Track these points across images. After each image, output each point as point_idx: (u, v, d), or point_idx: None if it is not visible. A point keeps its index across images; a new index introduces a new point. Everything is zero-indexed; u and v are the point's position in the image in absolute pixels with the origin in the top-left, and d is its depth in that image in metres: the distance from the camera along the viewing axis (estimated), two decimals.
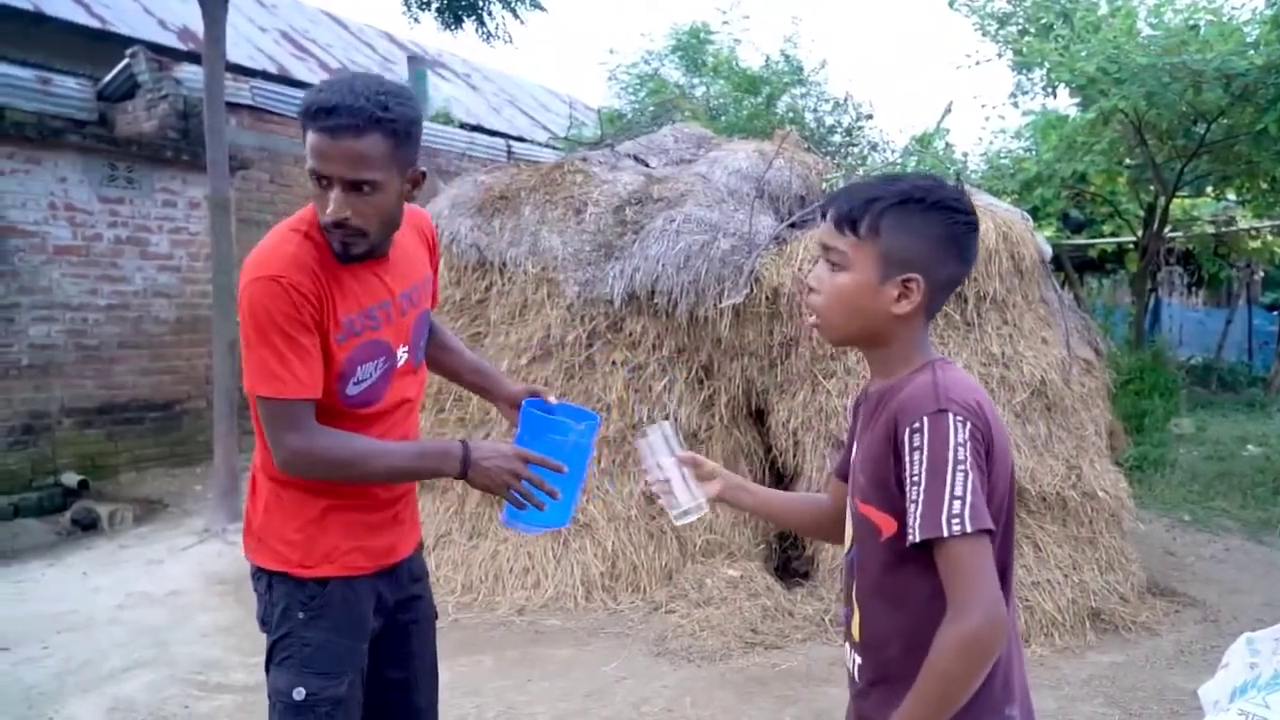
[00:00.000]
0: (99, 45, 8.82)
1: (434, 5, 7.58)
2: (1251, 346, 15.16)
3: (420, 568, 1.97)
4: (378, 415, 1.76)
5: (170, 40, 9.58)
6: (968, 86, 54.82)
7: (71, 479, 6.35)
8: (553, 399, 1.91)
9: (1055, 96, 9.38)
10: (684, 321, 4.54)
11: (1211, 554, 5.40)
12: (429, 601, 1.98)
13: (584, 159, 5.65)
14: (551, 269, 4.76)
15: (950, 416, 1.22)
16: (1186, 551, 5.43)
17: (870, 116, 11.07)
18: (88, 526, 5.84)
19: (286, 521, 1.74)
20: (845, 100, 11.17)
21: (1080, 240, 11.64)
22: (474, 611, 4.19)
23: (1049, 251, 5.08)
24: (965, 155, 9.21)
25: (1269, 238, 12.17)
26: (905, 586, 1.30)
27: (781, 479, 4.61)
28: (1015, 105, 10.22)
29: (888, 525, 1.30)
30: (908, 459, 1.23)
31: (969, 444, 1.21)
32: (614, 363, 4.60)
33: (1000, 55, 9.72)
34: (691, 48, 12.89)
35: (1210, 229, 11.50)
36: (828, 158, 6.91)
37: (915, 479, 1.21)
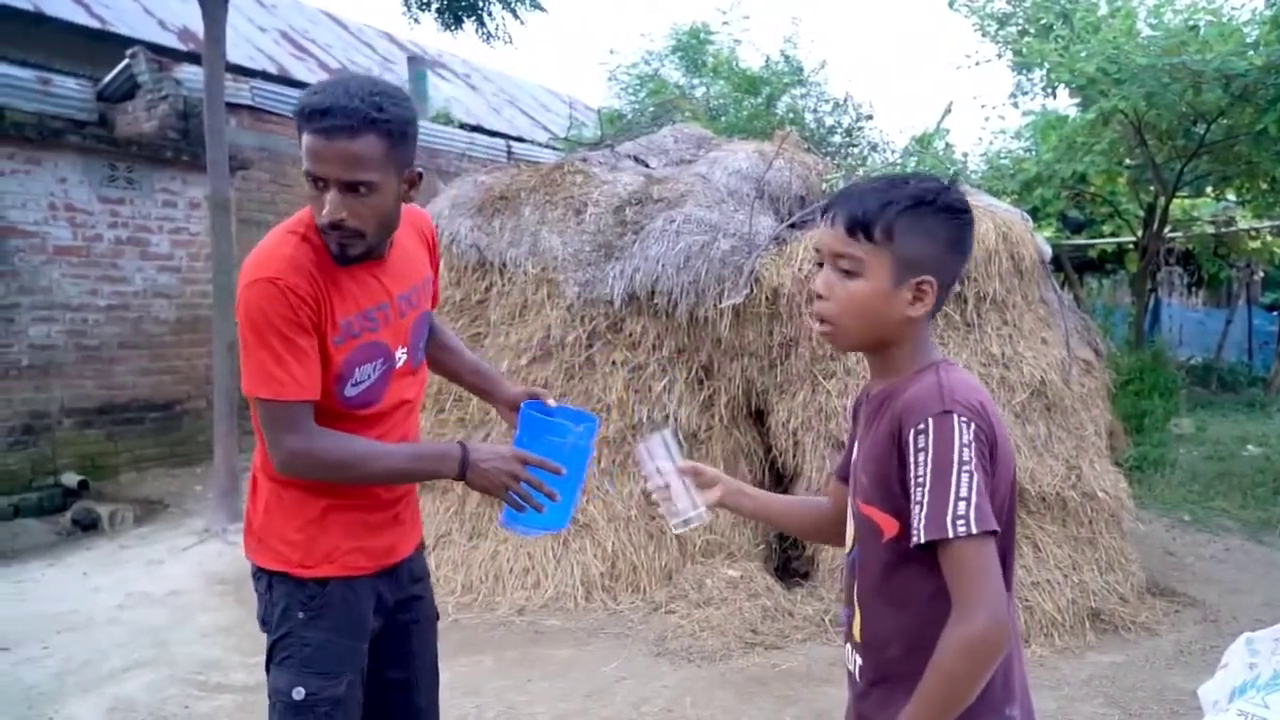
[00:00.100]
0: (99, 45, 8.83)
1: (434, 6, 7.58)
2: (1251, 346, 15.16)
3: (421, 568, 1.97)
4: (377, 416, 1.76)
5: (170, 40, 9.59)
6: (968, 87, 54.90)
7: (71, 479, 6.35)
8: (552, 401, 1.91)
9: (1055, 97, 9.38)
10: (684, 322, 4.54)
11: (1211, 554, 5.41)
12: (430, 602, 1.98)
13: (584, 159, 5.65)
14: (551, 269, 4.76)
15: (955, 418, 1.22)
16: (1186, 551, 5.43)
17: (870, 117, 11.09)
18: (88, 527, 5.84)
19: (287, 521, 1.74)
20: (845, 100, 11.18)
21: (1080, 240, 11.63)
22: (474, 612, 4.19)
23: (1049, 252, 5.08)
24: (965, 155, 9.22)
25: (1269, 238, 12.17)
26: (907, 587, 1.30)
27: (781, 479, 4.61)
28: (1015, 106, 10.23)
29: (890, 526, 1.30)
30: (912, 460, 1.23)
31: (974, 445, 1.21)
32: (614, 363, 4.60)
33: (1000, 56, 9.72)
34: (691, 48, 12.90)
35: (1210, 229, 11.49)
36: (828, 158, 6.91)
37: (920, 480, 1.22)
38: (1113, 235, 11.13)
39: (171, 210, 7.16)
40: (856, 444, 1.44)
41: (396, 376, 1.79)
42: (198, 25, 6.41)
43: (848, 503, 1.46)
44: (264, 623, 1.78)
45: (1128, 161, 8.62)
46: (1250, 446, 8.39)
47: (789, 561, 4.73)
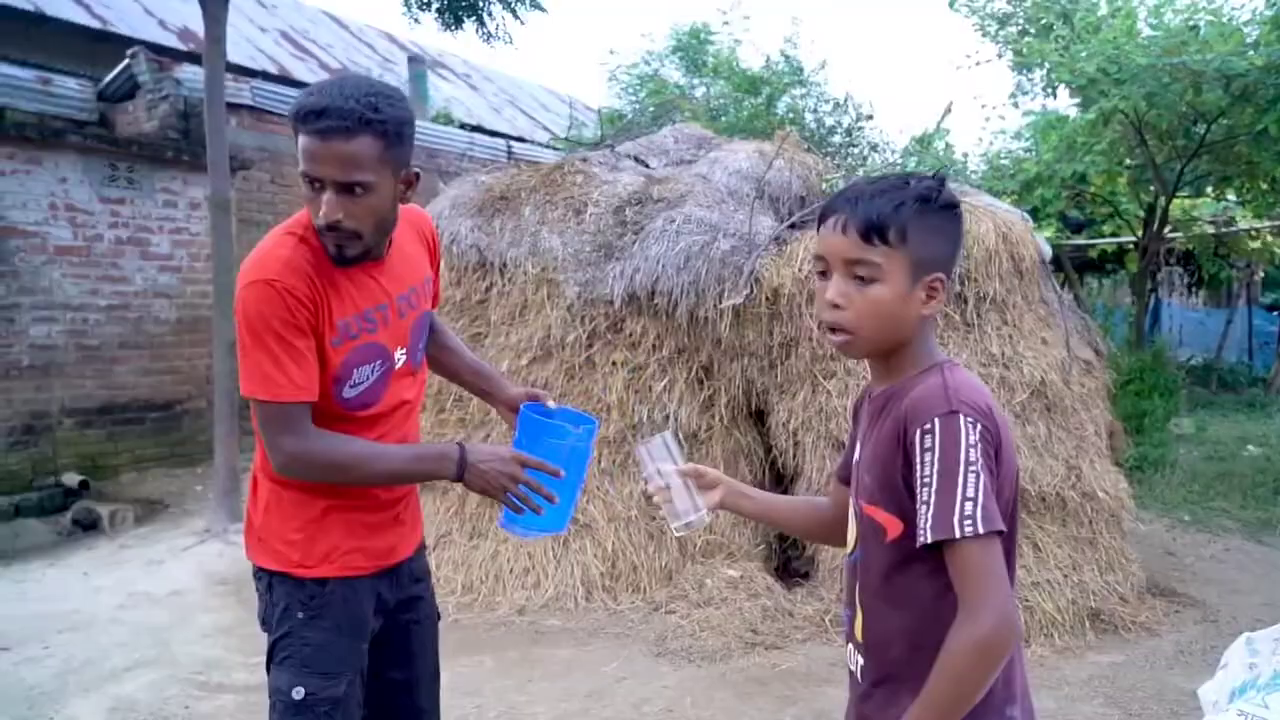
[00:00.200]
0: (99, 46, 8.83)
1: (434, 6, 7.57)
2: (1251, 346, 15.18)
3: (422, 568, 1.97)
4: (376, 417, 1.76)
5: (171, 40, 9.59)
6: (968, 87, 54.90)
7: (72, 479, 6.35)
8: (551, 403, 1.91)
9: (1055, 97, 9.37)
10: (684, 322, 4.54)
11: (1211, 554, 5.40)
12: (431, 602, 1.98)
13: (584, 159, 5.65)
14: (552, 269, 4.77)
15: (961, 418, 1.22)
16: (1186, 551, 5.43)
17: (870, 117, 11.09)
18: (88, 527, 5.84)
19: (287, 521, 1.74)
20: (845, 101, 11.19)
21: (1080, 240, 11.63)
22: (474, 612, 4.19)
23: (1049, 252, 5.08)
24: (965, 155, 9.23)
25: (1269, 238, 12.17)
26: (910, 587, 1.30)
27: (781, 479, 4.61)
28: (1015, 106, 10.21)
29: (894, 526, 1.30)
30: (918, 460, 1.23)
31: (980, 445, 1.21)
32: (614, 363, 4.60)
33: (1000, 56, 9.72)
34: (692, 48, 12.91)
35: (1210, 229, 11.49)
36: (828, 158, 6.91)
37: (926, 480, 1.21)
38: (1113, 235, 11.14)
39: (172, 210, 7.17)
40: (858, 444, 1.44)
41: (396, 377, 1.79)
42: (198, 25, 6.42)
43: (849, 503, 1.46)
44: (264, 623, 1.78)
45: (1128, 161, 8.62)
46: (1250, 446, 8.39)
47: (789, 561, 4.74)
